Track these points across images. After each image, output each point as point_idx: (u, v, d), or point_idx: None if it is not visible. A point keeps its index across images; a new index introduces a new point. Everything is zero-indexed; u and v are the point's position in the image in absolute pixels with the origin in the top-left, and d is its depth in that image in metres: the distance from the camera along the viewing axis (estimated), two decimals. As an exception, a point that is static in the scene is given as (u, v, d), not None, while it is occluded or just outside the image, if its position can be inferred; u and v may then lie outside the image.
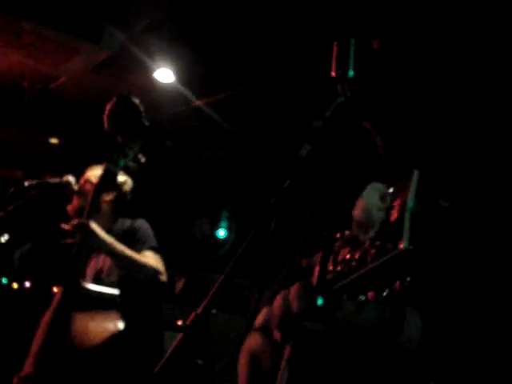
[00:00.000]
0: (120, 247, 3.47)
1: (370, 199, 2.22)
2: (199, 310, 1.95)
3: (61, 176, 3.70)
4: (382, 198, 2.08)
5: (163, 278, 3.54)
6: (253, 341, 2.47)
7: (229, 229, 5.91)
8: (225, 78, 4.26)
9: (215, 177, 4.12)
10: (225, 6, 3.95)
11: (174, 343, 1.98)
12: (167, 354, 1.89)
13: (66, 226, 3.38)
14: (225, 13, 4.05)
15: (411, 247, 1.74)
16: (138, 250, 3.55)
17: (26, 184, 3.60)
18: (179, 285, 3.97)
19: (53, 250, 3.78)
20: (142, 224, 3.72)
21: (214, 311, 3.13)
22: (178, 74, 4.40)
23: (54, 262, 3.75)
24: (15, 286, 3.81)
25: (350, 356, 2.19)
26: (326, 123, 2.19)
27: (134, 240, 3.60)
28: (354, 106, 2.34)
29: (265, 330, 2.41)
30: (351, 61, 2.32)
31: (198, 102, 4.35)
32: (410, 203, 1.82)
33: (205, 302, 1.97)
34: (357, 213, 2.32)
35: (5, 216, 3.55)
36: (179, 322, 3.44)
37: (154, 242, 3.65)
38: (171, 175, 4.11)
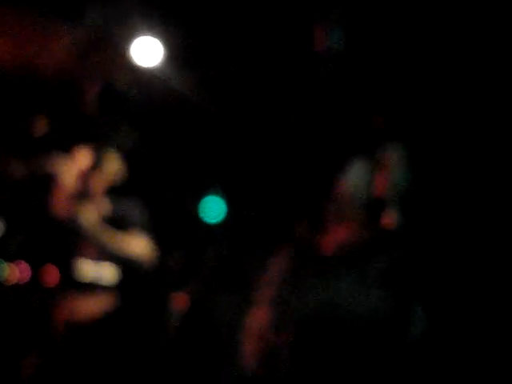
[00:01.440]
0: (105, 241, 3.48)
1: (353, 179, 2.18)
2: (198, 291, 1.96)
3: (47, 158, 3.70)
4: (365, 176, 2.05)
5: (147, 264, 3.57)
6: (260, 317, 2.47)
7: (220, 207, 5.89)
8: (214, 55, 4.22)
9: (205, 157, 4.11)
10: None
11: (175, 324, 1.99)
12: (169, 335, 1.90)
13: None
14: None
15: (399, 223, 1.73)
16: (125, 233, 3.57)
17: (13, 171, 3.60)
18: (173, 264, 3.99)
19: (44, 232, 3.79)
20: (130, 204, 3.74)
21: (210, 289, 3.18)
22: (164, 51, 4.36)
23: (47, 244, 3.77)
24: (12, 280, 3.82)
25: (354, 340, 2.19)
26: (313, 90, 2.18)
27: (121, 223, 3.62)
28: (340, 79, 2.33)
29: (272, 305, 2.41)
30: (337, 35, 2.30)
31: (186, 82, 4.31)
32: (396, 179, 1.80)
33: (203, 282, 1.98)
34: (341, 192, 2.29)
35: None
36: (176, 301, 3.46)
37: (141, 223, 3.66)
38: (162, 155, 4.10)
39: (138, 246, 3.56)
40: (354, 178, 2.15)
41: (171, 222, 3.78)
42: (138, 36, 4.47)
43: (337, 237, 1.95)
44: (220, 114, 3.68)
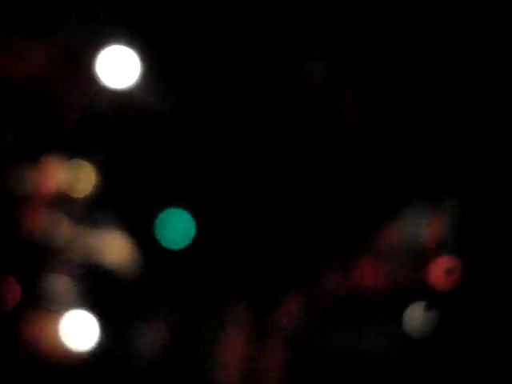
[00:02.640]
0: (82, 247, 3.49)
1: (411, 227, 2.11)
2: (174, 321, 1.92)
3: (17, 171, 3.71)
4: (419, 225, 1.99)
5: (127, 264, 3.57)
6: (240, 338, 2.43)
7: (188, 227, 5.77)
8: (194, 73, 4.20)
9: (186, 174, 4.09)
10: None
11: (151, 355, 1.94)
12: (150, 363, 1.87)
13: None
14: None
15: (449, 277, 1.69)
16: (101, 243, 3.59)
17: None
18: (142, 290, 3.96)
19: (9, 245, 3.78)
20: (103, 219, 3.75)
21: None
22: (141, 66, 4.34)
23: (10, 258, 3.74)
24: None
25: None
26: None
27: (97, 237, 3.64)
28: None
29: (254, 328, 2.38)
30: (329, 65, 2.30)
31: (163, 98, 4.30)
32: (450, 231, 1.76)
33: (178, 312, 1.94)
34: (393, 241, 2.20)
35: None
36: (152, 331, 3.40)
37: (115, 231, 3.68)
38: (137, 168, 4.09)
39: (116, 249, 3.57)
40: (407, 224, 2.10)
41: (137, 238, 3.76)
42: (112, 50, 4.46)
43: (372, 280, 1.91)
44: (201, 129, 3.65)
